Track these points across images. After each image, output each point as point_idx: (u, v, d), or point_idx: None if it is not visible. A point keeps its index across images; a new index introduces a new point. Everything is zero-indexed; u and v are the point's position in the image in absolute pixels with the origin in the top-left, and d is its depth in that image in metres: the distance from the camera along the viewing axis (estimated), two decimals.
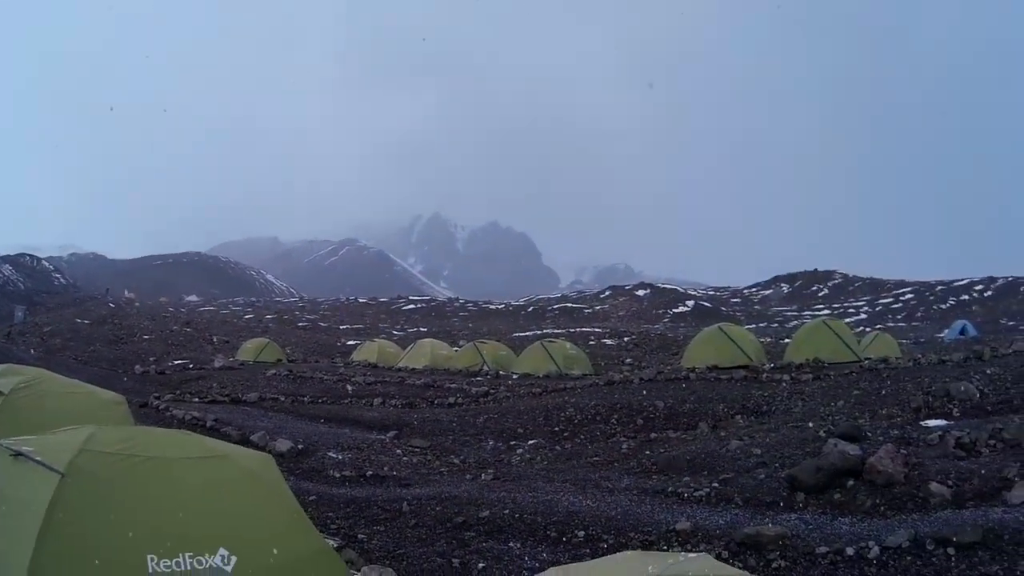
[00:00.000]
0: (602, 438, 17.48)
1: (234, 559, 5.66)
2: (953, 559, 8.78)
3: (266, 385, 26.23)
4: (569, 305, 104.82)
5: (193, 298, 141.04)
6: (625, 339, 53.41)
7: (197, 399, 22.92)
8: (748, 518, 11.05)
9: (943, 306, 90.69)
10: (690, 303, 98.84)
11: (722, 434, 16.34)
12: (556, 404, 20.21)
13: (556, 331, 58.64)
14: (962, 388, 16.53)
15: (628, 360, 40.12)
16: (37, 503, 5.18)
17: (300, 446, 16.34)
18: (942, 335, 54.38)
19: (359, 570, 8.79)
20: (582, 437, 17.71)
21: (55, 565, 4.97)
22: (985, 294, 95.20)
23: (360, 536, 11.10)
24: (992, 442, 12.91)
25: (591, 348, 44.37)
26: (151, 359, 33.75)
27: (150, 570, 5.28)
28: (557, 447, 17.07)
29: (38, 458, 5.59)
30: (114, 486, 5.61)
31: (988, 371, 18.10)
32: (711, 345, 26.49)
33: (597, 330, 62.31)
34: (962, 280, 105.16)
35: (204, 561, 5.52)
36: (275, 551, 6.04)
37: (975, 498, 10.73)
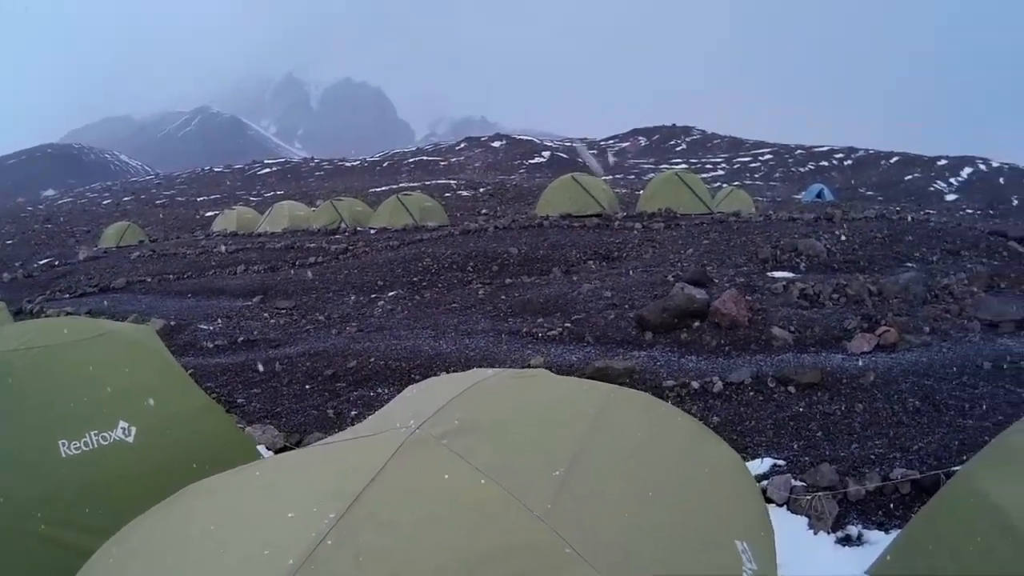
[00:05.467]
0: (459, 285, 17.54)
1: (133, 429, 5.95)
2: (793, 396, 9.20)
3: (132, 269, 25.47)
4: (425, 158, 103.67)
5: (51, 192, 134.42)
6: (481, 190, 53.13)
7: (68, 295, 22.42)
8: (599, 354, 11.41)
9: (802, 169, 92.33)
10: (546, 154, 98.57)
11: (574, 278, 16.59)
12: (413, 255, 20.20)
13: (412, 185, 57.95)
14: (810, 244, 16.94)
15: (484, 211, 40.02)
16: None
17: (172, 323, 16.44)
18: (799, 196, 55.50)
19: (243, 431, 9.03)
20: (440, 286, 17.75)
21: None
22: (845, 163, 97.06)
23: (239, 400, 11.42)
24: (836, 296, 13.43)
25: (447, 200, 44.09)
26: (17, 264, 32.46)
27: (63, 454, 5.50)
28: (416, 297, 17.12)
29: None
30: (19, 382, 5.78)
31: (837, 232, 18.57)
32: (564, 193, 26.45)
33: (453, 182, 61.76)
34: (823, 147, 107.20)
35: (108, 436, 5.77)
36: (168, 414, 6.34)
37: (816, 344, 11.21)
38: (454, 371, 10.61)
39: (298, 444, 9.35)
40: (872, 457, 7.55)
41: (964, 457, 6.86)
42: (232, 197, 70.14)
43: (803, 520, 6.69)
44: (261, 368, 12.64)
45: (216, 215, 45.10)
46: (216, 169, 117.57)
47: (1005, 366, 9.55)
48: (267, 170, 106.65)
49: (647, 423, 4.46)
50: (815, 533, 6.57)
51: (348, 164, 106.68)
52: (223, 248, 27.22)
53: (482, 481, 3.24)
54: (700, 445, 4.59)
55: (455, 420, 3.64)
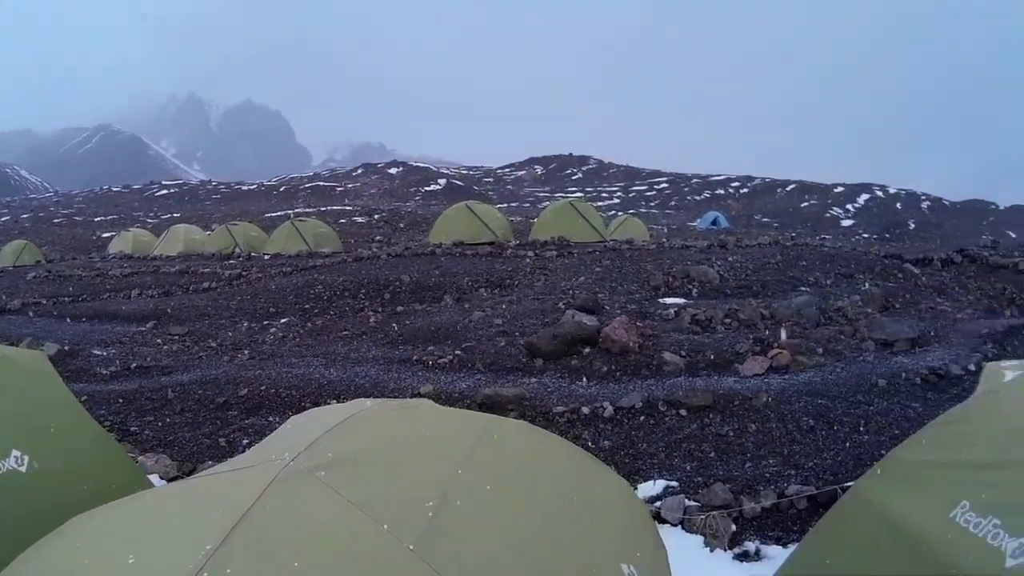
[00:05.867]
0: (351, 313, 17.44)
1: (26, 458, 5.71)
2: (685, 419, 9.20)
3: (27, 290, 25.27)
4: (321, 184, 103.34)
5: None
6: (376, 217, 53.12)
7: None
8: (489, 382, 11.31)
9: (698, 198, 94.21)
10: (442, 181, 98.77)
11: (466, 306, 16.57)
12: (306, 282, 20.12)
13: (308, 210, 58.19)
14: (702, 271, 17.09)
15: (378, 237, 40.15)
16: None
17: (67, 347, 16.13)
18: (694, 224, 56.30)
19: (136, 461, 8.74)
20: (332, 313, 17.64)
21: None
22: (741, 191, 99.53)
23: (133, 428, 11.16)
24: (728, 320, 13.59)
25: (342, 226, 44.09)
26: None
27: None
28: (308, 324, 16.99)
29: None
30: None
31: (730, 258, 18.85)
32: (457, 221, 26.67)
33: (348, 208, 61.73)
34: (719, 176, 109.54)
35: (2, 466, 5.55)
36: (60, 444, 6.13)
37: (708, 368, 11.29)
38: (345, 399, 10.51)
39: (191, 474, 9.13)
40: (767, 475, 7.59)
41: (860, 472, 6.88)
42: (129, 218, 70.13)
43: (699, 539, 6.68)
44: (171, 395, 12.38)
45: (113, 236, 44.79)
46: (115, 189, 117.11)
47: (900, 383, 9.78)
48: (165, 192, 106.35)
49: (526, 452, 4.44)
50: (712, 551, 6.57)
51: (245, 188, 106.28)
52: (118, 271, 26.99)
53: (354, 513, 3.26)
54: (582, 472, 4.56)
55: (329, 452, 3.67)
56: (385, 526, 3.19)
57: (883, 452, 6.60)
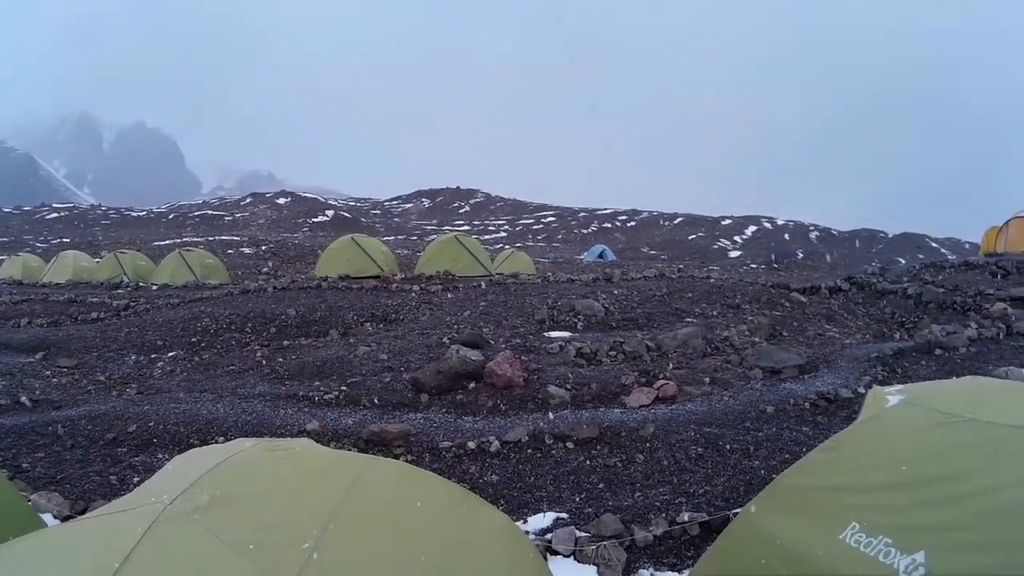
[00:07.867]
0: (237, 347, 17.30)
1: None
2: (572, 451, 9.24)
3: None
4: (210, 212, 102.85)
5: None
6: (263, 248, 52.77)
7: None
8: (375, 418, 11.24)
9: (585, 231, 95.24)
10: (330, 213, 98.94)
11: (351, 340, 16.53)
12: (193, 315, 19.88)
13: (196, 239, 57.71)
14: (587, 304, 17.21)
15: (265, 269, 39.97)
16: None
17: None
18: (581, 257, 56.70)
19: (29, 499, 8.62)
20: (219, 347, 17.46)
21: None
22: (628, 224, 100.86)
23: (24, 465, 10.82)
24: (613, 353, 13.72)
25: (229, 257, 43.89)
26: None
27: None
28: (195, 358, 16.80)
29: None
30: None
31: (616, 292, 19.06)
32: (343, 255, 26.61)
33: (236, 239, 61.21)
34: (606, 209, 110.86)
35: None
36: None
37: (594, 401, 11.39)
38: (232, 436, 10.47)
39: (83, 512, 8.90)
40: (657, 504, 7.65)
41: (752, 496, 6.99)
42: (20, 241, 68.83)
43: (592, 569, 6.68)
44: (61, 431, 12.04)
45: (2, 261, 43.97)
46: (6, 210, 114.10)
47: (788, 408, 10.05)
48: (55, 215, 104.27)
49: (402, 491, 4.48)
50: None
51: (134, 214, 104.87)
52: (7, 298, 26.56)
53: (230, 555, 3.29)
54: (460, 509, 4.63)
55: (207, 494, 3.70)
56: (261, 568, 3.22)
57: (774, 476, 6.70)
